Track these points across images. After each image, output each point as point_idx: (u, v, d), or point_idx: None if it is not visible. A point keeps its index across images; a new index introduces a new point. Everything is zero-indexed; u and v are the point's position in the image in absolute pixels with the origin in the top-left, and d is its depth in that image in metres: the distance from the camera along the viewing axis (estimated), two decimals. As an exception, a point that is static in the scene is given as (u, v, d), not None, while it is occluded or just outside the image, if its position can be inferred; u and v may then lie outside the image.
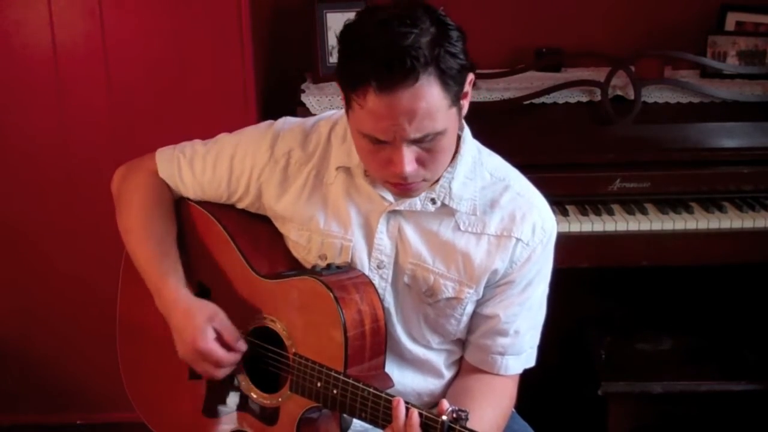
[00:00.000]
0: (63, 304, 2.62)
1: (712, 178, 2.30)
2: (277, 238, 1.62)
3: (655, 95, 2.43)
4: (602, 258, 2.25)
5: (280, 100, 2.55)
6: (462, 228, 1.51)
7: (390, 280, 1.54)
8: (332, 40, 2.44)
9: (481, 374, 1.58)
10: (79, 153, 2.48)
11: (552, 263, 1.57)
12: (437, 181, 1.48)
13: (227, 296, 1.60)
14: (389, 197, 1.50)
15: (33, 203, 2.54)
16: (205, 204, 1.66)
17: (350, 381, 1.40)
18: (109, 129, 2.46)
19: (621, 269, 2.37)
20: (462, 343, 1.61)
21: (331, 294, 1.42)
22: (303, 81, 2.50)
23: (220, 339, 1.51)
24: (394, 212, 1.52)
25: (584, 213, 2.26)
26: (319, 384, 1.44)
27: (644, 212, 2.26)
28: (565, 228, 2.20)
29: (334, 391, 1.42)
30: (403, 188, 1.44)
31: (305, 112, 2.35)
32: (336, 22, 2.45)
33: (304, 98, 2.39)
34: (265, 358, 1.55)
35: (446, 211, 1.51)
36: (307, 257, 1.57)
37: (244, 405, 1.59)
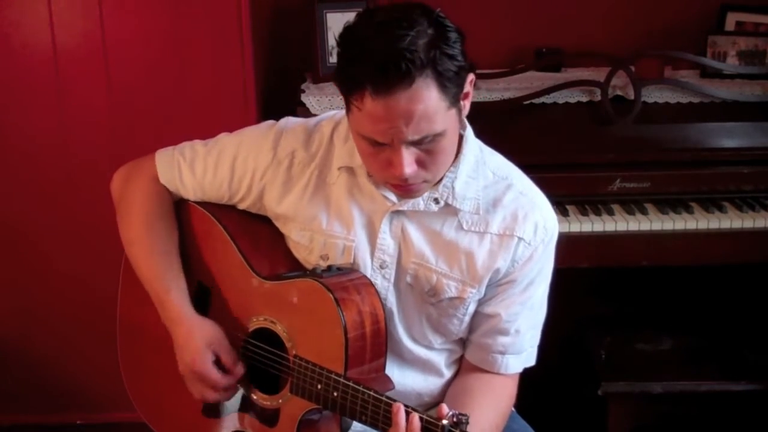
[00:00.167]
0: (63, 304, 2.62)
1: (712, 178, 2.30)
2: (278, 238, 1.62)
3: (655, 95, 2.43)
4: (602, 258, 2.25)
5: (280, 100, 2.55)
6: (465, 227, 1.50)
7: (393, 280, 1.53)
8: (332, 40, 2.43)
9: (481, 373, 1.58)
10: (79, 153, 2.48)
11: (553, 263, 1.57)
12: (440, 180, 1.48)
13: (227, 297, 1.60)
14: (392, 197, 1.50)
15: (33, 203, 2.54)
16: (206, 204, 1.65)
17: (350, 384, 1.39)
18: (109, 129, 2.46)
19: (621, 269, 2.37)
20: (463, 342, 1.61)
21: (331, 295, 1.42)
22: (303, 81, 2.50)
23: (218, 362, 1.53)
24: (397, 212, 1.51)
25: (584, 213, 2.26)
26: (319, 386, 1.44)
27: (644, 212, 2.26)
28: (565, 228, 2.19)
29: (335, 394, 1.41)
30: (404, 189, 1.44)
31: (305, 112, 2.35)
32: (336, 22, 2.45)
33: (304, 98, 2.39)
34: (265, 360, 1.55)
35: (449, 210, 1.51)
36: (309, 257, 1.57)
37: (244, 406, 1.59)
